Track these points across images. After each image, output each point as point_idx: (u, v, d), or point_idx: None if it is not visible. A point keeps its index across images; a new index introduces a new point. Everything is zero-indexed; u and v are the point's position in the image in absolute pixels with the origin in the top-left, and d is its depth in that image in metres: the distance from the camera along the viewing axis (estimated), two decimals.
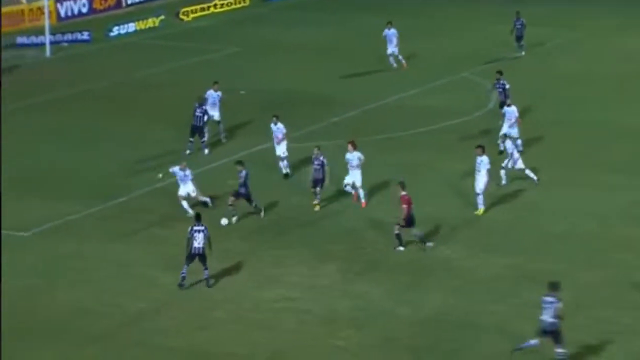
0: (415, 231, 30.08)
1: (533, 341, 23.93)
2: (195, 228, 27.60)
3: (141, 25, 58.90)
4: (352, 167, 32.90)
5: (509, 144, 35.46)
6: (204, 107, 38.13)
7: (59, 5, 59.94)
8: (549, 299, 23.64)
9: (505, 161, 34.63)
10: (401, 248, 30.03)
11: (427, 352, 24.91)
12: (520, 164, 34.49)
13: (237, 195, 32.01)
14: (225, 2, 64.56)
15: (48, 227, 31.72)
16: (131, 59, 52.66)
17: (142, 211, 32.95)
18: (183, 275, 27.69)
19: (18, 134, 39.63)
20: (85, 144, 39.38)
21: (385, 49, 48.74)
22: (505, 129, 37.15)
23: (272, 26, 59.52)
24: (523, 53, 51.61)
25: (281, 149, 35.81)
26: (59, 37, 54.52)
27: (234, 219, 31.91)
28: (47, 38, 52.94)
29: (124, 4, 64.11)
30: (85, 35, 55.61)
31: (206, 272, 27.77)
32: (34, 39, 53.40)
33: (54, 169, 36.93)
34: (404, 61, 49.18)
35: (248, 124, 41.53)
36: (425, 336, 25.53)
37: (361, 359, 24.65)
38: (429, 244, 30.26)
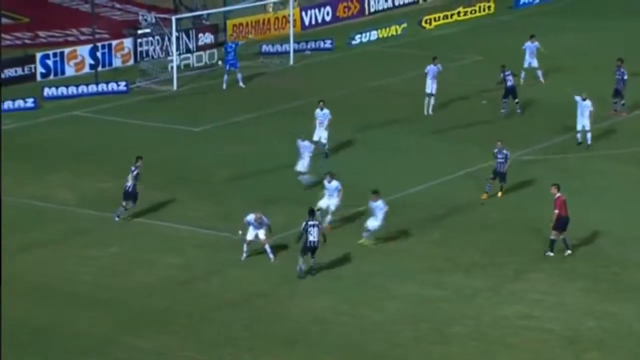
0: (561, 236, 29.57)
1: None
2: (310, 223, 28.70)
3: (383, 33, 59.03)
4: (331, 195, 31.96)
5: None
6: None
7: (303, 13, 60.90)
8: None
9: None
10: (550, 253, 29.58)
11: None
12: None
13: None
14: (469, 9, 63.85)
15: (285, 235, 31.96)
16: (372, 67, 52.79)
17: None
18: (300, 267, 28.80)
19: (261, 140, 40.37)
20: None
21: None
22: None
23: (517, 34, 58.27)
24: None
25: (323, 135, 37.52)
26: (302, 45, 55.35)
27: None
28: (292, 46, 53.83)
29: (366, 12, 64.47)
30: (327, 44, 56.20)
31: (312, 260, 28.99)
32: (278, 47, 54.41)
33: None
34: None
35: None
36: None
37: None
38: (568, 251, 29.72)
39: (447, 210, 33.67)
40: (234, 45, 49.11)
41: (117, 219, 32.76)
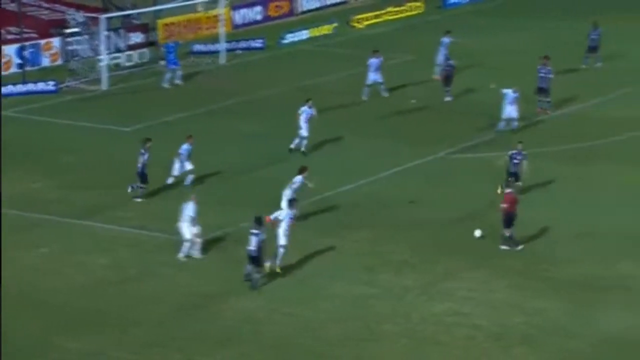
0: (507, 232, 30.11)
1: None
2: (251, 231, 28.23)
3: (314, 32, 59.26)
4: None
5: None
6: None
7: (234, 13, 60.88)
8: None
9: None
10: (519, 247, 30.29)
11: None
12: None
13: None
14: (399, 9, 64.31)
15: (220, 233, 32.01)
16: (303, 66, 52.98)
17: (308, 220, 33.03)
18: (246, 272, 28.46)
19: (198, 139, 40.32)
20: (260, 149, 39.60)
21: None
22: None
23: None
24: (599, 64, 49.52)
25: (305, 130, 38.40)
26: (233, 44, 55.35)
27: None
28: (223, 45, 53.80)
29: (297, 12, 64.67)
30: (258, 43, 56.29)
31: (249, 268, 28.26)
32: (210, 47, 54.34)
33: (230, 173, 37.19)
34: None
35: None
36: (606, 357, 24.71)
37: None
38: (520, 247, 30.26)
39: (377, 208, 33.97)
40: (174, 45, 49.46)
41: (138, 200, 34.17)
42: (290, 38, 58.04)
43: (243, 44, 55.97)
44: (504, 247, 30.48)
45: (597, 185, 35.64)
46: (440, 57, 47.70)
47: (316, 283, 28.82)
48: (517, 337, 25.74)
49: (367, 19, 62.44)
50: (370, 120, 43.14)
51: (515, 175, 33.94)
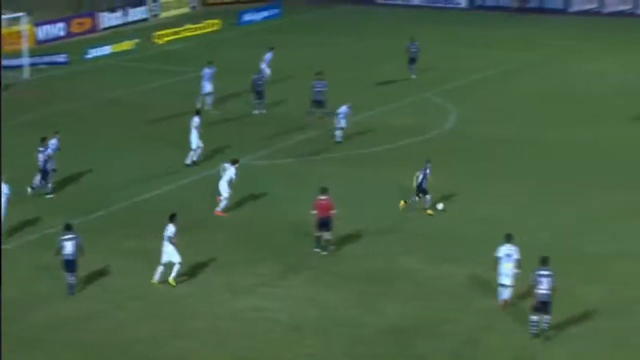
0: (327, 235, 30.77)
1: (535, 317, 25.49)
2: (64, 237, 27.80)
3: (116, 47, 59.05)
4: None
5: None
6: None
7: (37, 28, 59.94)
8: (544, 272, 25.43)
9: None
10: (317, 249, 30.79)
11: (392, 358, 25.22)
12: None
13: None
14: (197, 26, 64.79)
15: (26, 240, 31.78)
16: (106, 80, 52.74)
17: (121, 225, 33.11)
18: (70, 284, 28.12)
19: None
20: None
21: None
22: None
23: (242, 48, 59.86)
24: (414, 77, 51.77)
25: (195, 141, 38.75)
26: (36, 59, 54.53)
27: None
28: (26, 60, 52.93)
29: (99, 28, 64.24)
30: (62, 58, 55.66)
31: (72, 279, 27.95)
32: (12, 61, 53.35)
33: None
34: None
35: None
36: (390, 344, 25.83)
37: None
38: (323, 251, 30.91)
39: (183, 212, 34.25)
40: None
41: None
42: (93, 53, 57.65)
43: (46, 59, 55.25)
44: (317, 249, 30.96)
45: (372, 187, 36.75)
46: (266, 71, 48.57)
47: (125, 284, 28.93)
48: (311, 329, 26.52)
49: (167, 35, 62.67)
50: (166, 130, 43.36)
51: (422, 190, 33.69)
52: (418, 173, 33.88)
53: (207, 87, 45.89)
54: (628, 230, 32.63)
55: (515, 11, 69.72)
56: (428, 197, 33.86)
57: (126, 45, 59.78)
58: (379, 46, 59.80)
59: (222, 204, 33.92)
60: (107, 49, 58.50)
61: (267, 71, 48.99)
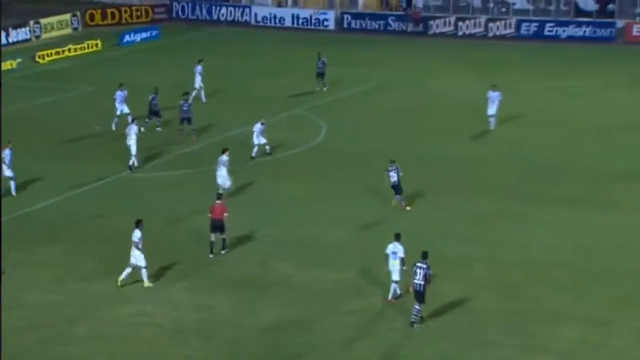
0: (214, 237, 31.33)
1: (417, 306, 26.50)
2: None
3: None
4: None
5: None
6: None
7: None
8: (420, 264, 26.65)
9: None
10: (210, 255, 31.29)
11: (269, 357, 25.57)
12: None
13: None
14: (79, 46, 64.16)
15: None
16: None
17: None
18: None
19: None
20: None
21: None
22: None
23: (124, 67, 59.55)
24: (325, 89, 53.09)
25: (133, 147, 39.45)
26: None
27: None
28: None
29: None
30: None
31: None
32: None
33: None
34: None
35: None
36: (267, 343, 26.18)
37: None
38: (222, 251, 31.57)
39: (68, 224, 34.06)
40: None
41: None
42: None
43: None
44: (211, 255, 31.29)
45: (251, 196, 37.18)
46: (197, 82, 49.64)
47: (10, 293, 28.56)
48: (192, 331, 26.64)
49: (49, 54, 61.89)
50: (61, 144, 42.96)
51: (396, 187, 35.20)
52: (390, 173, 35.23)
53: (123, 108, 44.98)
54: (484, 234, 33.69)
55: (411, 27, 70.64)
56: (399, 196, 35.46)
57: (9, 64, 58.77)
58: (254, 65, 60.23)
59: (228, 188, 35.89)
60: None
61: (198, 81, 49.86)
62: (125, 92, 45.49)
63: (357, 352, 25.80)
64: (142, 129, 43.05)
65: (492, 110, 45.67)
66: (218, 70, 57.24)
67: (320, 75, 53.25)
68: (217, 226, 31.35)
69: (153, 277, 29.85)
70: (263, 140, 41.50)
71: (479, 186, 38.27)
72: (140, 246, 29.05)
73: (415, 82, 56.75)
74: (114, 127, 44.89)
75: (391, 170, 35.38)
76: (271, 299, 28.67)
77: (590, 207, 36.04)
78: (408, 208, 35.54)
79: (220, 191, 34.11)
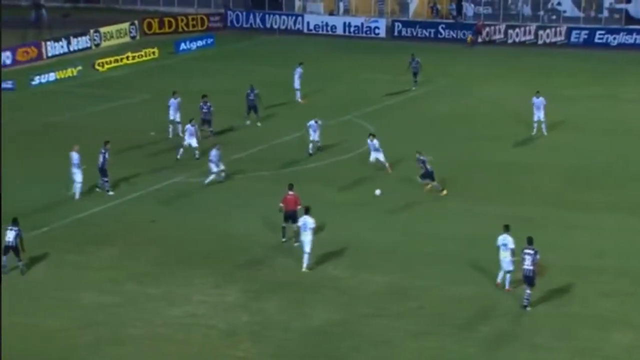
0: (295, 226, 31.40)
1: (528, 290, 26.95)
2: (9, 227, 29.56)
3: (61, 74, 58.58)
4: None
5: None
6: None
7: None
8: (529, 251, 27.16)
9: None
10: (283, 239, 31.69)
11: (316, 359, 25.35)
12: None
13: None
14: (137, 54, 64.55)
15: None
16: (50, 105, 52.29)
17: (59, 239, 32.83)
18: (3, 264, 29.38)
19: None
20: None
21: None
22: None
23: (180, 75, 59.78)
24: (414, 88, 54.63)
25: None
26: None
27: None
28: None
29: (44, 56, 63.70)
30: (9, 84, 55.04)
31: (20, 263, 29.73)
32: None
33: None
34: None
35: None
36: (314, 346, 25.96)
37: None
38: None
39: (121, 228, 34.18)
40: None
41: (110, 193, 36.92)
42: (38, 80, 57.14)
43: None
44: (283, 239, 31.92)
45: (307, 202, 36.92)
46: (296, 83, 51.21)
47: (64, 295, 28.66)
48: (244, 334, 26.53)
49: (108, 62, 62.34)
50: (113, 152, 43.04)
51: (431, 175, 36.47)
52: (419, 163, 36.57)
53: (176, 116, 44.61)
54: None
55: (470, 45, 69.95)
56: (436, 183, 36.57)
57: (70, 72, 59.32)
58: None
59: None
60: (52, 76, 58.02)
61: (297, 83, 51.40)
62: (179, 99, 45.50)
63: (404, 355, 25.47)
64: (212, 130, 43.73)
65: (537, 116, 45.07)
66: (263, 77, 57.23)
67: (414, 74, 54.69)
68: (291, 216, 31.65)
69: (202, 279, 29.76)
70: (317, 138, 42.01)
71: (524, 191, 37.80)
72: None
73: (464, 88, 56.25)
74: (170, 135, 44.96)
75: (421, 161, 36.44)
76: (320, 302, 28.45)
77: (636, 214, 35.37)
78: (444, 192, 36.45)
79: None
